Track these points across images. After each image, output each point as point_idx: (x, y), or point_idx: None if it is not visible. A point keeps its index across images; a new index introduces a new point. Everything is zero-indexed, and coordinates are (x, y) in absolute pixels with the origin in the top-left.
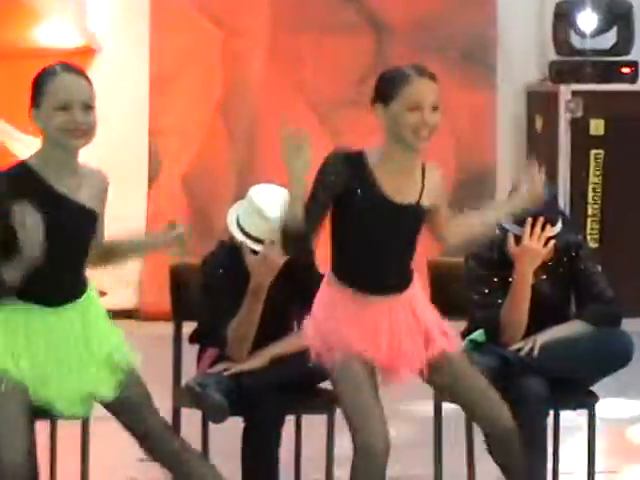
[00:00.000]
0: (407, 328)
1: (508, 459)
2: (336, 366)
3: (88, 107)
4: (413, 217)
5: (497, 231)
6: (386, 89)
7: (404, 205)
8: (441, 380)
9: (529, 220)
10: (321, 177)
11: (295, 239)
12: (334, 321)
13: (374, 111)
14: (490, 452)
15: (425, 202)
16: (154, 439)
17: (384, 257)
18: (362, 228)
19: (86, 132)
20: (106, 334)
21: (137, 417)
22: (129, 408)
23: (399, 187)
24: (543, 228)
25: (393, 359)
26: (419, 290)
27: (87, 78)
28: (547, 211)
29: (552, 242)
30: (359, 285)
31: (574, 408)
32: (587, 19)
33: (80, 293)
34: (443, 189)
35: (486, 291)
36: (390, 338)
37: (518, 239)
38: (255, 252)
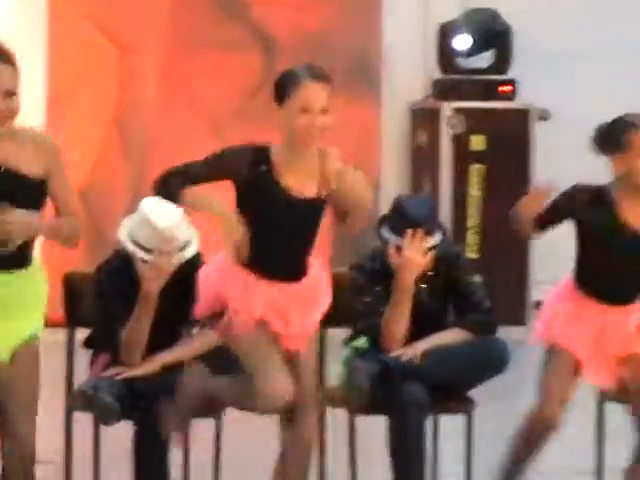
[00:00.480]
0: (299, 308)
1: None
2: (238, 330)
3: (11, 94)
4: (312, 211)
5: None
6: (280, 90)
7: (303, 199)
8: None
9: (409, 231)
10: (221, 153)
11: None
12: (238, 289)
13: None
14: None
15: (324, 192)
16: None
17: (283, 247)
18: (263, 220)
19: (7, 117)
20: (31, 311)
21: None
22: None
23: (298, 182)
24: (422, 239)
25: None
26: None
27: (13, 64)
28: (426, 223)
29: (431, 253)
30: (262, 270)
31: (453, 413)
32: (466, 40)
33: (23, 263)
34: (344, 170)
35: (368, 300)
36: (285, 313)
37: (399, 250)
38: (146, 261)
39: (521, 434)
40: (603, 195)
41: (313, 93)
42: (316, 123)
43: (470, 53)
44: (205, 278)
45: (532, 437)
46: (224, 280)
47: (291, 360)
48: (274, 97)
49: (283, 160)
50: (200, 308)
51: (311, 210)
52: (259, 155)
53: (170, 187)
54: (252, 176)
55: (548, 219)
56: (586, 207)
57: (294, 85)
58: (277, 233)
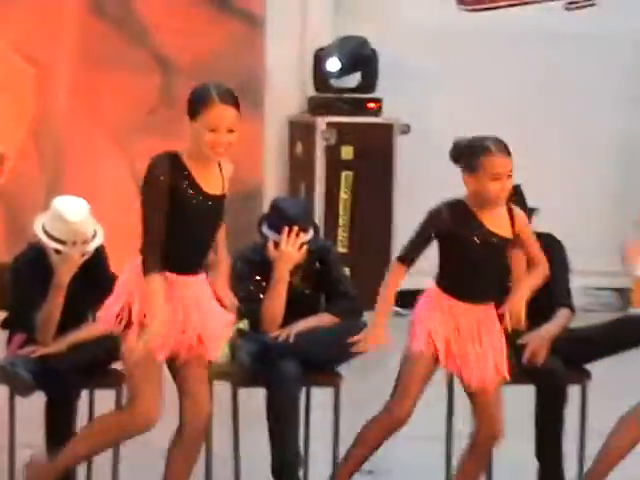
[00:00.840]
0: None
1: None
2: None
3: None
4: (220, 207)
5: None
6: (193, 106)
7: (214, 195)
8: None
9: (285, 229)
10: (152, 179)
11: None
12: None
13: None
14: None
15: (225, 192)
16: None
17: (196, 241)
18: (184, 217)
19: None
20: None
21: None
22: None
23: (207, 180)
24: (297, 235)
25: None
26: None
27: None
28: (300, 221)
29: (305, 247)
30: (177, 265)
31: (322, 386)
32: (337, 63)
33: None
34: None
35: (251, 287)
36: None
37: (276, 244)
38: (58, 252)
39: (370, 430)
40: (462, 209)
41: (222, 114)
42: (222, 141)
43: (341, 74)
44: (121, 286)
45: (381, 435)
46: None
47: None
48: (187, 111)
49: (192, 162)
50: (107, 319)
51: (219, 207)
52: (174, 160)
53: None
54: (175, 178)
55: (419, 248)
56: (451, 223)
57: (205, 105)
58: (196, 229)
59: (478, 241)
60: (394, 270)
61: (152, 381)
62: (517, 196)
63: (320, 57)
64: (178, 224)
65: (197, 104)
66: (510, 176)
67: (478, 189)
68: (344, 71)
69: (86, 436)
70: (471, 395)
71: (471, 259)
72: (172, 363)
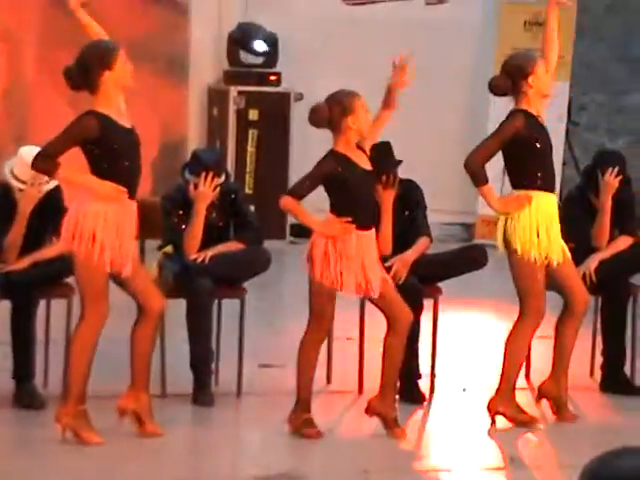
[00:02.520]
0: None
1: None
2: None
3: None
4: (137, 138)
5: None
6: (106, 58)
7: (131, 130)
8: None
9: (203, 173)
10: (73, 126)
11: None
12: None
13: None
14: None
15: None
16: None
17: (135, 170)
18: (119, 152)
19: None
20: None
21: None
22: None
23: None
24: (212, 179)
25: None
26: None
27: None
28: (215, 167)
29: (218, 188)
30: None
31: (231, 298)
32: (248, 43)
33: None
34: None
35: (175, 220)
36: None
37: (195, 186)
38: (21, 190)
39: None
40: (338, 154)
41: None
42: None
43: (250, 52)
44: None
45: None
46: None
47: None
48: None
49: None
50: (65, 238)
51: (137, 138)
52: (101, 115)
53: (41, 166)
54: (102, 128)
55: (309, 189)
56: (335, 167)
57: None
58: (131, 160)
59: (356, 177)
60: (293, 203)
61: (102, 288)
62: (387, 150)
63: (233, 38)
64: (120, 160)
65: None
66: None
67: (359, 127)
68: (253, 50)
69: (75, 358)
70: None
71: (353, 192)
72: (117, 277)
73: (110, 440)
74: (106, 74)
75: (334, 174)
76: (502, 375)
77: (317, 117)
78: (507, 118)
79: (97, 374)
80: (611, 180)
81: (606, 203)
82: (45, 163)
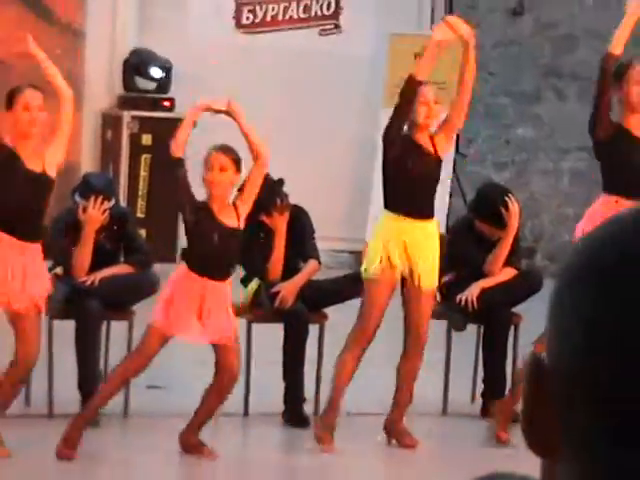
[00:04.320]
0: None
1: None
2: None
3: None
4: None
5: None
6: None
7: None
8: None
9: (92, 197)
10: None
11: None
12: None
13: None
14: None
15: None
16: None
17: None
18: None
19: None
20: None
21: None
22: None
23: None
24: (102, 203)
25: None
26: None
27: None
28: (105, 191)
29: (107, 212)
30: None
31: (119, 320)
32: (141, 69)
33: None
34: None
35: (63, 242)
36: None
37: (85, 209)
38: None
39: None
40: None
41: (32, 95)
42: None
43: (146, 78)
44: None
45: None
46: None
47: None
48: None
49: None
50: None
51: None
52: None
53: None
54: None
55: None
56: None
57: (19, 92)
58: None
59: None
60: None
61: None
62: (278, 186)
63: (128, 64)
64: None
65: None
66: None
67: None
68: (147, 76)
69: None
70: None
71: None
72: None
73: None
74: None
75: None
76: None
77: None
78: None
79: None
80: (516, 210)
81: (510, 232)
82: None
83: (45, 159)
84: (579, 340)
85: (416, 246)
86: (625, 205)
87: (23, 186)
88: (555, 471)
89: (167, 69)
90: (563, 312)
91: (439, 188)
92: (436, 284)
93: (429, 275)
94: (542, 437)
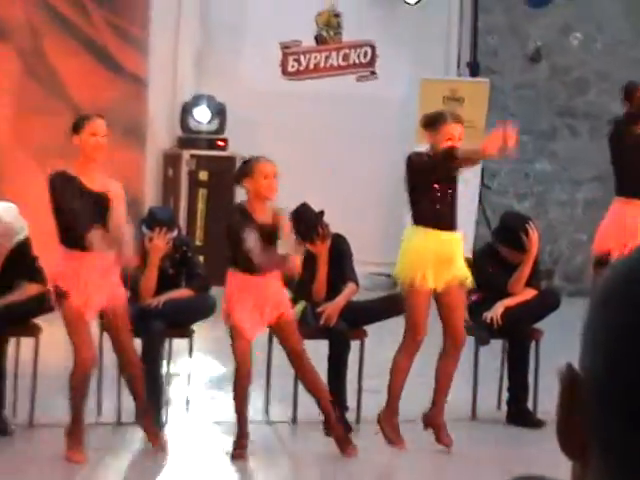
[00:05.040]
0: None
1: None
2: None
3: None
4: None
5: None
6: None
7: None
8: None
9: (157, 228)
10: (62, 189)
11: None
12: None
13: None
14: None
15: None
16: None
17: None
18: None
19: None
20: None
21: None
22: None
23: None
24: (165, 233)
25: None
26: None
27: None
28: (168, 223)
29: (170, 242)
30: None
31: (180, 337)
32: (198, 113)
33: None
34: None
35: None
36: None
37: (150, 239)
38: None
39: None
40: (245, 210)
41: (99, 122)
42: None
43: (201, 120)
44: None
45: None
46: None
47: None
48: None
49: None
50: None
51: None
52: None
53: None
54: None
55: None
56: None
57: (87, 119)
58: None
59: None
60: None
61: (85, 334)
62: (319, 217)
63: (185, 108)
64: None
65: (80, 120)
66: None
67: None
68: (204, 118)
69: (73, 393)
70: None
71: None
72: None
73: None
74: (75, 138)
75: None
76: (388, 392)
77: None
78: None
79: None
80: (535, 236)
81: (531, 256)
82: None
83: (109, 188)
84: (612, 353)
85: (446, 254)
86: (636, 204)
87: (86, 204)
88: (585, 474)
89: (222, 112)
90: (598, 327)
91: (466, 217)
92: (469, 277)
93: (460, 271)
94: (574, 442)
